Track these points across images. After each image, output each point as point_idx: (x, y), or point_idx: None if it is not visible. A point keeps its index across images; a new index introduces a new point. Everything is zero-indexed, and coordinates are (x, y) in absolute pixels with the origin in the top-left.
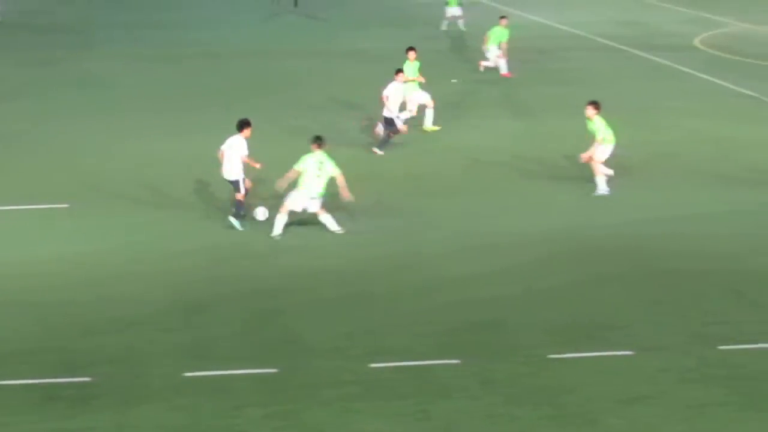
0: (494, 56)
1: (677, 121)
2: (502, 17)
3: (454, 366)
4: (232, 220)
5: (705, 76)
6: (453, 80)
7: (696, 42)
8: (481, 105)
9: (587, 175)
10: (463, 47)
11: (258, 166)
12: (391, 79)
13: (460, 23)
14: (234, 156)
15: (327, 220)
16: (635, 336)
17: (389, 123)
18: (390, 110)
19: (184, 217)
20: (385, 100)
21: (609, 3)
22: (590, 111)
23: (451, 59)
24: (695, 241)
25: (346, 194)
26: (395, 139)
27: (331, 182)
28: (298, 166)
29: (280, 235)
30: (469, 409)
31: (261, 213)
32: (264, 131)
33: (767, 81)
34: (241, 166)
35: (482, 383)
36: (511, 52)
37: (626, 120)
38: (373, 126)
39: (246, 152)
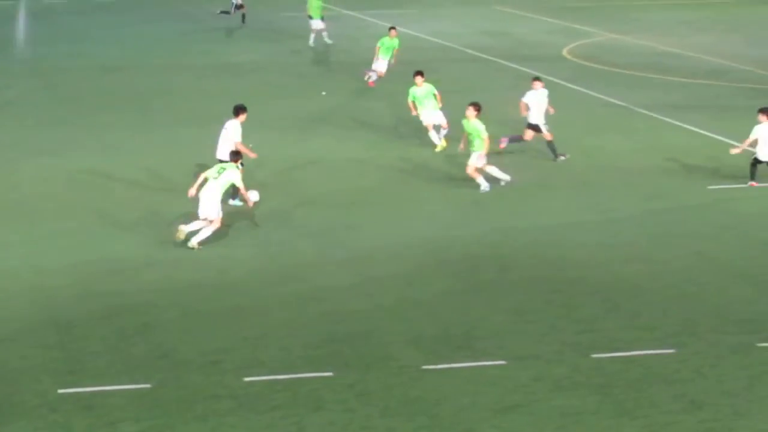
0: (383, 68)
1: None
2: (392, 28)
3: (327, 378)
4: (233, 202)
5: (573, 86)
6: (323, 92)
7: (564, 52)
8: (348, 116)
9: (458, 182)
10: (329, 60)
11: (253, 155)
12: (528, 89)
13: (325, 35)
14: (228, 138)
15: (203, 232)
16: (507, 345)
17: (535, 129)
18: (534, 117)
19: (54, 234)
20: (524, 108)
21: (477, 14)
22: (470, 112)
23: (319, 72)
24: (565, 250)
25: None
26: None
27: None
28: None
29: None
30: (343, 421)
31: (254, 195)
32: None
33: (635, 90)
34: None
35: (357, 395)
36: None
37: (498, 130)
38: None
39: (239, 137)
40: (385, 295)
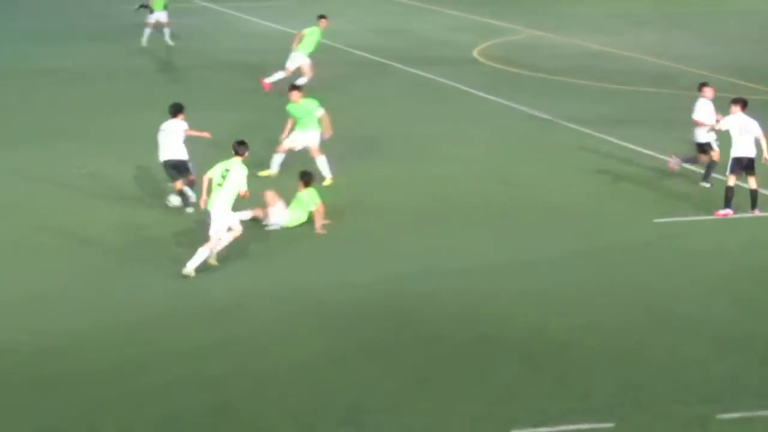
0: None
1: (454, 150)
2: (321, 17)
3: None
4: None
5: (487, 96)
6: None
7: (475, 53)
8: None
9: (331, 212)
10: (177, 65)
11: (207, 134)
12: (696, 97)
13: (167, 34)
14: (176, 138)
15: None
16: (405, 420)
17: (703, 150)
18: (703, 134)
19: None
20: (700, 123)
21: (367, 7)
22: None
23: (164, 80)
24: (476, 301)
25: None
26: None
27: None
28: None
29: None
30: None
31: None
32: None
33: (562, 100)
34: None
35: None
36: (245, 70)
37: (391, 150)
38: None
39: (187, 127)
40: (253, 358)
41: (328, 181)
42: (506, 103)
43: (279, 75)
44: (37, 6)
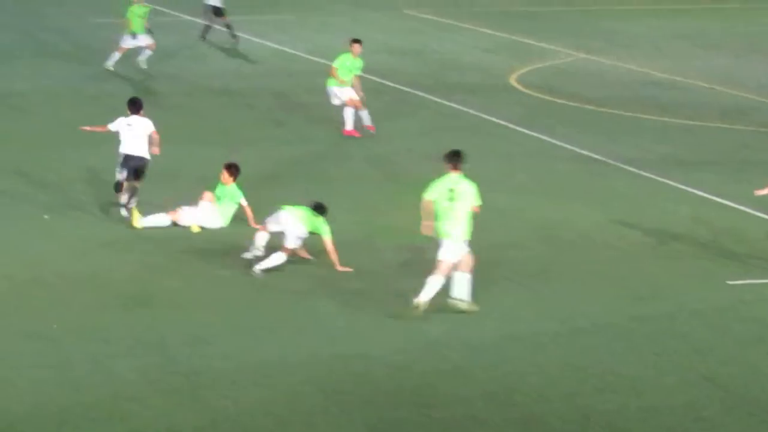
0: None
1: (484, 196)
2: (356, 41)
3: None
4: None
5: (525, 130)
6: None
7: (512, 80)
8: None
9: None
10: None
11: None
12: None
13: (143, 57)
14: (140, 134)
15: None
16: None
17: None
18: None
19: None
20: None
21: (381, 24)
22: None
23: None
24: (513, 376)
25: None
26: None
27: None
28: None
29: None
30: None
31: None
32: None
33: (615, 136)
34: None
35: None
36: (244, 94)
37: (410, 195)
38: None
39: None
40: None
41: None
42: (547, 139)
43: (349, 117)
44: None
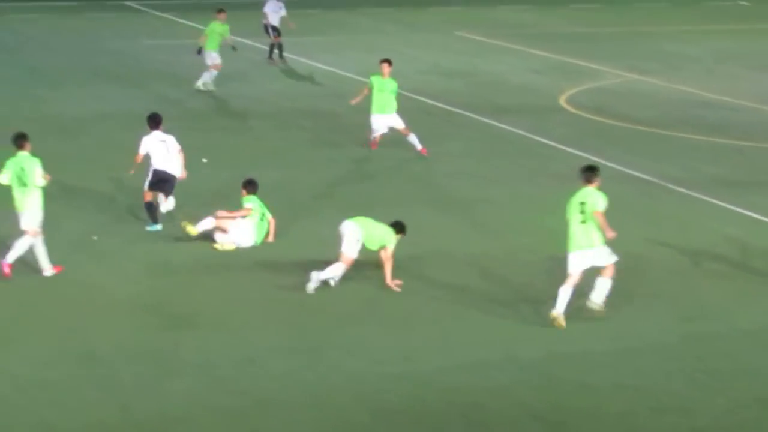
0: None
1: (534, 217)
2: (385, 61)
3: None
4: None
5: (575, 151)
6: (203, 160)
7: (561, 101)
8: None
9: (382, 286)
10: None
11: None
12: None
13: (208, 78)
14: (173, 151)
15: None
16: None
17: None
18: None
19: None
20: None
21: (432, 44)
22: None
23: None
24: (562, 395)
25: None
26: None
27: None
28: None
29: None
30: None
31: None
32: None
33: (666, 157)
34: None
35: None
36: (295, 115)
37: (461, 216)
38: None
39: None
40: None
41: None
42: (597, 159)
43: (414, 140)
44: (47, 42)
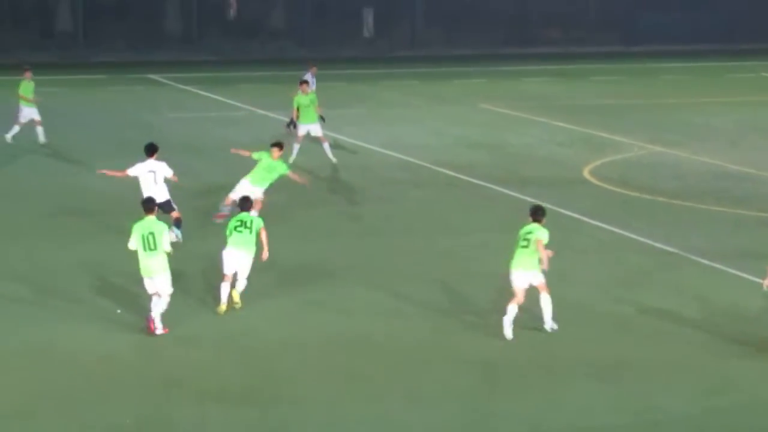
0: None
1: (557, 290)
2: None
3: None
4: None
5: (598, 223)
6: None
7: (585, 173)
8: None
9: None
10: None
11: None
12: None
13: (326, 149)
14: (161, 179)
15: None
16: None
17: None
18: None
19: None
20: None
21: (456, 117)
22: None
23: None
24: None
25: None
26: None
27: None
28: None
29: None
30: None
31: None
32: None
33: (689, 229)
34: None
35: None
36: (319, 188)
37: (483, 290)
38: None
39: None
40: None
41: None
42: (620, 231)
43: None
44: (71, 115)
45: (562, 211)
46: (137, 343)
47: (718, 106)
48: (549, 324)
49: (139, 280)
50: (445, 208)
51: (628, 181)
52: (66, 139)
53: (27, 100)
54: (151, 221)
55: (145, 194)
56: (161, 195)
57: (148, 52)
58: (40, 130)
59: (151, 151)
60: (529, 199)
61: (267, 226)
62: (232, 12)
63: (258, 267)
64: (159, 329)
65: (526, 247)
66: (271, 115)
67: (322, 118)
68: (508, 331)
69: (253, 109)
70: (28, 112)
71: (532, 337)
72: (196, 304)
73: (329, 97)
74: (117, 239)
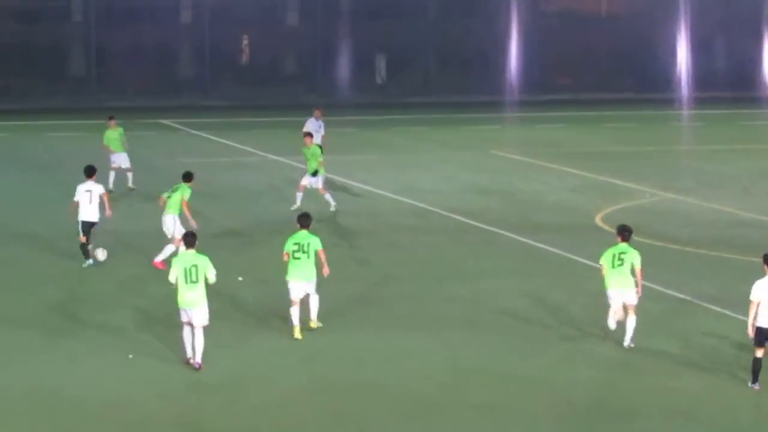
0: None
1: (567, 337)
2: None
3: None
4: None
5: None
6: (239, 278)
7: (597, 219)
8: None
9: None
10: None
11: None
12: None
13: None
14: (95, 199)
15: None
16: None
17: None
18: None
19: None
20: None
21: (467, 163)
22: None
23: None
24: None
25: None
26: None
27: None
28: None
29: None
30: None
31: (101, 254)
32: None
33: (702, 276)
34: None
35: None
36: (330, 233)
37: (494, 337)
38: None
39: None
40: None
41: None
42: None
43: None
44: (84, 159)
45: (574, 257)
46: (150, 389)
47: (729, 153)
48: (628, 342)
49: (151, 322)
50: (456, 253)
51: (641, 228)
52: (76, 183)
53: (114, 148)
54: (192, 254)
55: (83, 213)
56: (94, 215)
57: (161, 97)
58: (130, 176)
59: (89, 172)
60: (540, 245)
61: (277, 270)
62: (244, 58)
63: (269, 313)
64: (197, 364)
65: (620, 266)
66: (283, 160)
67: (314, 174)
68: (612, 323)
69: (265, 154)
70: (117, 159)
71: (541, 382)
72: (210, 346)
73: (341, 143)
74: (126, 285)
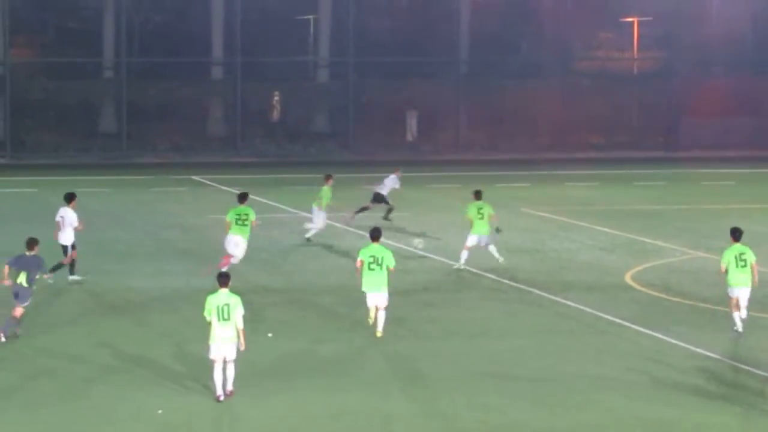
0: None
1: (596, 396)
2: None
3: None
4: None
5: (642, 329)
6: (269, 334)
7: (627, 278)
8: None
9: None
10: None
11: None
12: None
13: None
14: (68, 225)
15: None
16: None
17: None
18: None
19: None
20: None
21: (500, 222)
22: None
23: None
24: None
25: None
26: None
27: None
28: None
29: None
30: None
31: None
32: None
33: (737, 337)
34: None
35: None
36: (359, 291)
37: (525, 392)
38: None
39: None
40: None
41: None
42: (663, 338)
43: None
44: (114, 216)
45: (604, 315)
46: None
47: (760, 212)
48: (740, 327)
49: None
50: (487, 312)
51: (671, 287)
52: (107, 238)
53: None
54: (225, 293)
55: (59, 236)
56: (67, 239)
57: (192, 153)
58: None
59: (69, 198)
60: (571, 303)
61: (307, 324)
62: (276, 115)
63: (295, 372)
64: (222, 396)
65: (744, 266)
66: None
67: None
68: (739, 323)
69: (296, 211)
70: (318, 215)
71: None
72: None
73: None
74: (156, 338)
